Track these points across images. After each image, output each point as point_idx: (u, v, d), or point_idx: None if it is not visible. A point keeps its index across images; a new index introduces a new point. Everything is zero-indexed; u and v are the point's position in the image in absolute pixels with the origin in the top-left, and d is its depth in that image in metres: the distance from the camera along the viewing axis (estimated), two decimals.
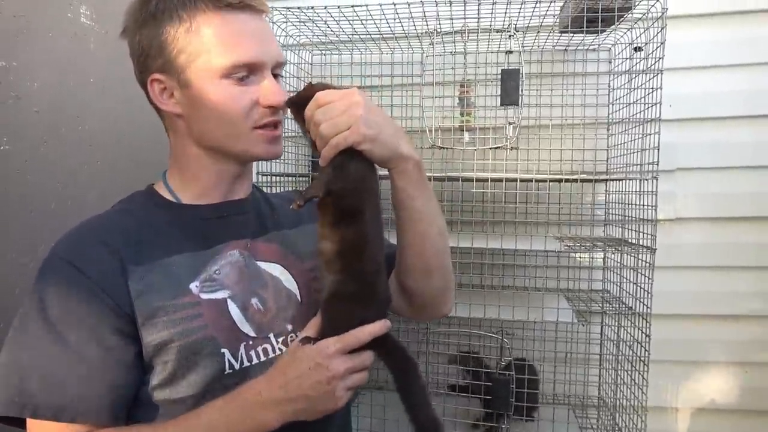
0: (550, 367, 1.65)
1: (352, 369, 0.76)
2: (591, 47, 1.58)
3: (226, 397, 0.76)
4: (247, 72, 0.81)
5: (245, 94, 0.81)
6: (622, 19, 1.36)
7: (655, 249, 1.32)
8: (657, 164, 1.31)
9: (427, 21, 1.43)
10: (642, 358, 1.36)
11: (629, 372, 1.43)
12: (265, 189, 1.13)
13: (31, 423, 0.73)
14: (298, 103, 0.80)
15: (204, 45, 0.79)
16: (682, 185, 1.62)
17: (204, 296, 0.80)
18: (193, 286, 0.80)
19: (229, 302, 0.82)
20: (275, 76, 0.86)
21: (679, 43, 1.51)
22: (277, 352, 0.84)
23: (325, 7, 1.40)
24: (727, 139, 1.60)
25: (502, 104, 1.34)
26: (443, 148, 1.44)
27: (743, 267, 1.62)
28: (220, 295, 0.81)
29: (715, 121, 1.60)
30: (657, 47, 1.30)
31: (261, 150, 0.85)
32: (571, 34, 1.47)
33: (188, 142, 0.86)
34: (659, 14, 1.29)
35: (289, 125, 1.55)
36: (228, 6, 0.80)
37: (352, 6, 1.39)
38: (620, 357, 1.51)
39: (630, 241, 1.45)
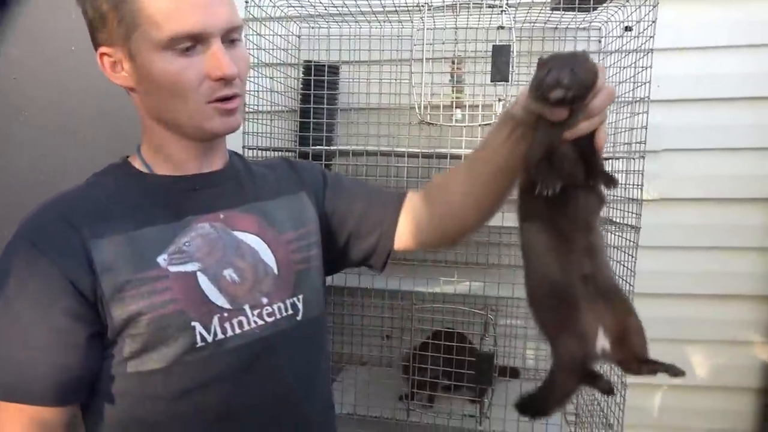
0: (533, 344, 1.67)
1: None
2: (582, 26, 1.58)
3: None
4: (191, 43, 0.76)
5: (190, 67, 0.76)
6: None
7: (640, 228, 1.34)
8: (644, 144, 1.32)
9: None
10: None
11: None
12: None
13: None
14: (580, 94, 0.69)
15: (141, 15, 0.75)
16: (668, 166, 1.63)
17: (173, 269, 0.79)
18: (161, 259, 0.79)
19: (200, 275, 0.80)
20: (233, 41, 0.81)
21: (669, 23, 1.51)
22: (252, 324, 0.83)
23: None
24: (714, 121, 1.61)
25: (492, 81, 1.33)
26: (432, 124, 1.43)
27: (728, 247, 1.65)
28: (189, 267, 0.80)
29: (703, 103, 1.61)
30: (648, 26, 1.30)
31: (216, 125, 0.81)
32: (563, 12, 1.46)
33: (146, 116, 0.84)
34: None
35: (271, 97, 1.54)
36: None
37: None
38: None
39: (615, 220, 1.46)
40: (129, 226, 0.79)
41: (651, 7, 1.28)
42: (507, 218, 1.43)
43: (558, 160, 0.73)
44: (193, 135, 0.83)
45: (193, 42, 0.76)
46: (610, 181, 0.72)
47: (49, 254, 0.74)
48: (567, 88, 0.66)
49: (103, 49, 0.80)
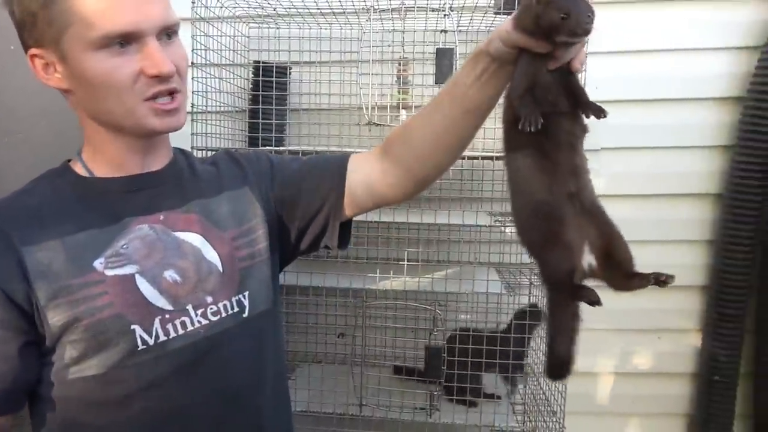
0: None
1: None
2: None
3: None
4: (124, 41, 0.75)
5: (125, 65, 0.76)
6: None
7: None
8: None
9: None
10: None
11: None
12: None
13: None
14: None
15: (73, 15, 0.74)
16: (607, 164, 1.70)
17: (109, 273, 0.78)
18: (98, 263, 0.78)
19: (138, 277, 0.80)
20: (169, 38, 0.80)
21: (607, 27, 1.58)
22: (196, 324, 0.83)
23: None
24: (649, 121, 1.69)
25: (436, 83, 1.37)
26: (379, 125, 1.46)
27: (662, 241, 1.73)
28: (127, 270, 0.80)
29: (637, 103, 1.69)
30: None
31: (155, 123, 0.81)
32: (505, 16, 1.51)
33: (84, 116, 0.83)
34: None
35: (223, 98, 1.54)
36: None
37: None
38: (543, 325, 1.60)
39: None
40: (64, 231, 0.78)
41: None
42: (453, 216, 1.48)
43: (540, 92, 0.76)
44: (132, 133, 0.83)
45: (127, 40, 0.76)
46: (599, 111, 0.75)
47: None
48: (584, 37, 0.70)
49: (33, 51, 0.78)
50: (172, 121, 0.82)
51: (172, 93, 0.81)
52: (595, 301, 0.76)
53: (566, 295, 0.79)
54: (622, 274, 0.79)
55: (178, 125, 0.84)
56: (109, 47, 0.75)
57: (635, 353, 1.78)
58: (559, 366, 0.85)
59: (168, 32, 0.80)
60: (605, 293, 1.75)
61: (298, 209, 0.99)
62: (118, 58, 0.76)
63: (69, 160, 0.88)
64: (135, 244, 0.82)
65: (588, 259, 0.78)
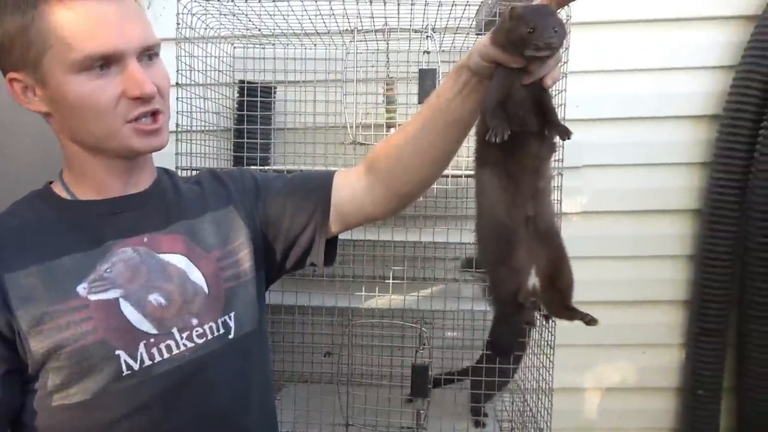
0: (468, 354, 1.73)
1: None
2: None
3: None
4: (105, 63, 0.75)
5: (107, 87, 0.76)
6: None
7: None
8: (562, 161, 1.40)
9: (348, 18, 1.45)
10: (549, 343, 1.46)
11: (537, 356, 1.53)
12: None
13: None
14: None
15: (51, 38, 0.73)
16: (588, 181, 1.73)
17: (93, 297, 0.77)
18: (81, 288, 0.77)
19: (122, 301, 0.79)
20: (150, 58, 0.80)
21: (587, 47, 1.62)
22: (182, 347, 0.82)
23: (246, 1, 1.40)
24: (629, 139, 1.73)
25: (419, 102, 1.39)
26: (364, 144, 1.47)
27: (643, 257, 1.76)
28: (111, 294, 0.79)
29: (618, 122, 1.73)
30: (562, 51, 1.38)
31: (139, 144, 0.81)
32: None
33: (65, 139, 0.83)
34: (564, 21, 1.37)
35: (205, 117, 1.54)
36: None
37: (274, 1, 1.39)
38: (530, 342, 1.61)
39: None
40: (46, 256, 0.77)
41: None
42: (438, 234, 1.49)
43: (512, 108, 0.77)
44: (114, 155, 0.82)
45: (108, 62, 0.75)
46: (564, 132, 0.76)
47: None
48: (554, 50, 0.72)
49: (12, 75, 0.78)
50: (154, 142, 0.82)
51: (154, 114, 0.80)
52: (529, 323, 0.83)
53: (508, 312, 0.83)
54: (558, 302, 0.82)
55: (160, 145, 0.84)
56: (90, 69, 0.75)
57: (620, 369, 1.79)
58: (499, 349, 0.92)
59: (149, 53, 0.80)
60: (589, 308, 1.76)
61: (283, 227, 0.99)
62: (99, 80, 0.75)
63: (50, 182, 0.88)
64: (118, 268, 0.81)
65: (533, 281, 0.81)
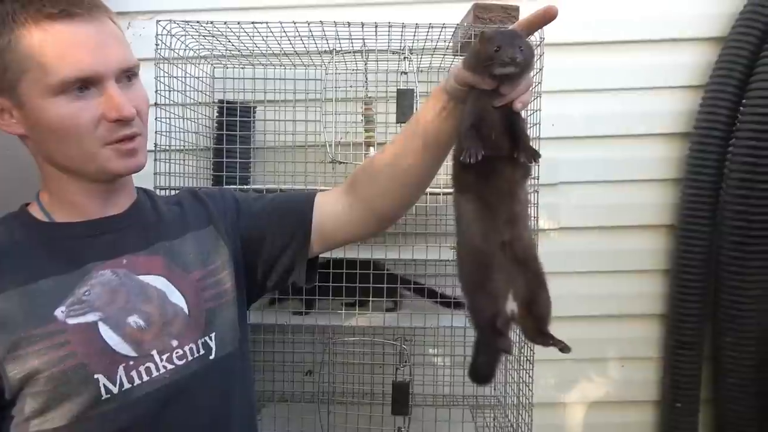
0: (448, 371, 1.73)
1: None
2: None
3: None
4: (83, 86, 0.75)
5: (85, 110, 0.76)
6: None
7: None
8: (537, 179, 1.43)
9: (327, 40, 1.47)
10: (528, 358, 1.47)
11: (517, 371, 1.54)
12: None
13: None
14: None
15: (28, 62, 0.74)
16: (565, 197, 1.76)
17: (71, 321, 0.76)
18: (59, 312, 0.76)
19: (101, 324, 0.78)
20: (129, 80, 0.80)
21: (563, 68, 1.66)
22: (162, 370, 0.81)
23: (225, 22, 1.41)
24: (604, 156, 1.76)
25: (397, 122, 1.41)
26: (343, 162, 1.49)
27: (619, 271, 1.78)
28: (89, 318, 0.78)
29: (593, 139, 1.76)
30: (536, 72, 1.42)
31: (117, 166, 0.81)
32: (462, 58, 1.57)
33: (43, 162, 0.83)
34: (538, 42, 1.41)
35: (185, 137, 1.55)
36: (48, 17, 0.73)
37: (253, 22, 1.40)
38: (511, 358, 1.62)
39: None
40: (23, 280, 0.76)
41: (538, 55, 1.41)
42: (417, 251, 1.51)
43: (486, 130, 0.79)
44: (94, 177, 0.82)
45: (86, 84, 0.75)
46: (532, 155, 0.78)
47: None
48: (517, 66, 0.74)
49: None
50: (131, 163, 0.82)
51: (132, 135, 0.81)
52: (505, 350, 0.81)
53: (487, 338, 0.84)
54: (534, 328, 0.82)
55: (138, 166, 0.84)
56: (68, 92, 0.75)
57: (599, 382, 1.81)
58: (480, 377, 0.91)
59: (128, 74, 0.80)
60: (568, 323, 1.78)
61: (265, 247, 0.99)
62: (78, 103, 0.75)
63: (27, 204, 0.87)
64: (97, 291, 0.80)
65: (511, 307, 0.81)
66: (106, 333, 0.79)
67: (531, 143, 0.80)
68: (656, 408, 1.83)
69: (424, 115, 0.89)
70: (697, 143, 1.66)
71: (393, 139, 0.96)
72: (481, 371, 0.90)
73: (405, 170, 0.92)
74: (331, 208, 0.99)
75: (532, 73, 0.83)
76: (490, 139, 0.79)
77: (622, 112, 1.75)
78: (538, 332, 0.82)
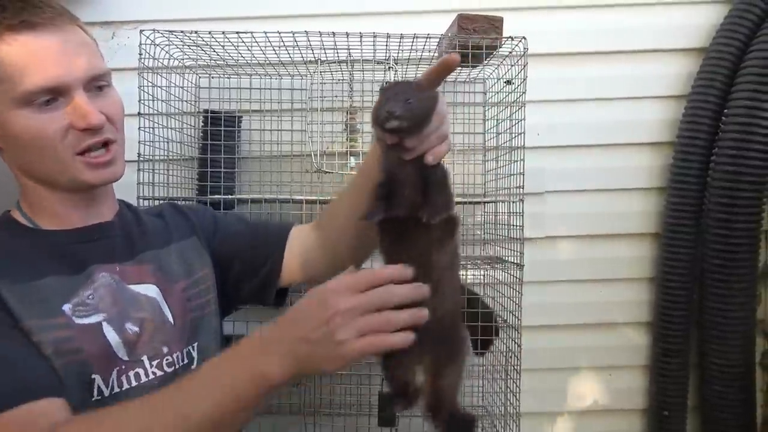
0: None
1: (362, 308, 0.62)
2: (467, 80, 1.71)
3: (225, 352, 0.68)
4: (50, 96, 0.75)
5: (53, 120, 0.75)
6: (491, 56, 1.48)
7: (523, 265, 1.44)
8: (522, 188, 1.43)
9: (312, 50, 1.47)
10: (515, 367, 1.47)
11: (504, 380, 1.53)
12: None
13: None
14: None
15: None
16: (551, 206, 1.77)
17: (77, 321, 0.77)
18: (67, 308, 0.76)
19: (105, 325, 0.79)
20: (100, 88, 0.80)
21: (547, 77, 1.67)
22: (151, 376, 0.82)
23: (210, 32, 1.41)
24: (589, 165, 1.77)
25: None
26: (328, 172, 1.48)
27: (605, 280, 1.79)
28: (93, 319, 0.78)
29: (578, 149, 1.77)
30: (521, 82, 1.43)
31: (90, 177, 0.80)
32: None
33: (18, 173, 0.82)
34: (522, 53, 1.42)
35: (169, 147, 1.53)
36: (10, 29, 0.73)
37: (237, 32, 1.40)
38: (498, 367, 1.61)
39: (503, 258, 1.56)
40: (27, 277, 0.76)
41: (522, 66, 1.42)
42: None
43: (398, 187, 0.74)
44: (69, 188, 0.81)
45: (53, 95, 0.75)
46: (431, 214, 0.71)
47: None
48: (399, 119, 0.69)
49: None
50: (106, 173, 0.81)
51: (106, 144, 0.80)
52: (387, 423, 0.78)
53: (393, 396, 0.79)
54: (433, 404, 0.77)
55: (114, 177, 0.83)
56: (34, 103, 0.74)
57: (586, 392, 1.81)
58: (387, 420, 0.85)
59: (99, 83, 0.80)
60: (553, 332, 1.77)
61: (235, 268, 1.00)
62: (45, 114, 0.75)
63: (8, 211, 0.86)
64: (100, 293, 0.80)
65: (420, 378, 0.77)
66: (109, 333, 0.79)
67: (446, 200, 0.75)
68: (644, 416, 1.83)
69: (367, 163, 0.90)
70: (680, 152, 1.67)
71: (351, 181, 0.96)
72: (385, 416, 0.86)
73: (356, 211, 0.92)
74: (301, 243, 1.01)
75: (446, 126, 0.75)
76: (402, 197, 0.74)
77: (607, 122, 1.76)
78: (436, 410, 0.76)
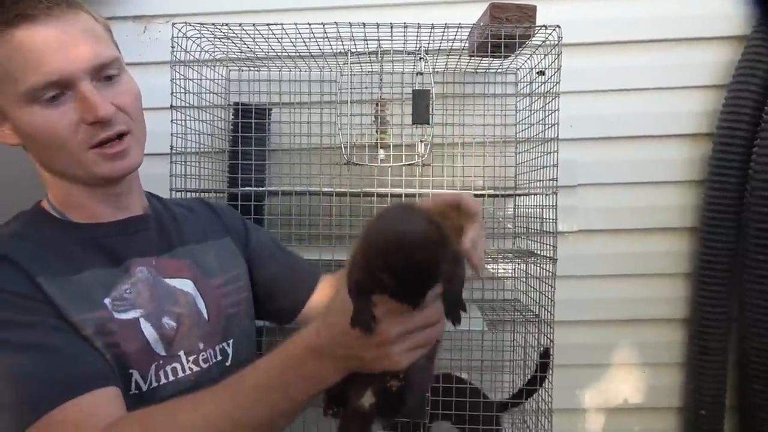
0: (465, 375, 1.70)
1: (408, 331, 0.63)
2: (498, 70, 1.68)
3: (272, 353, 0.67)
4: (55, 90, 0.72)
5: (62, 115, 0.73)
6: (524, 45, 1.45)
7: (556, 259, 1.41)
8: (556, 181, 1.40)
9: (342, 41, 1.47)
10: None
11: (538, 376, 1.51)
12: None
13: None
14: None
15: None
16: (583, 199, 1.73)
17: (117, 315, 0.76)
18: (107, 302, 0.76)
19: (142, 321, 0.78)
20: (110, 77, 0.77)
21: (581, 68, 1.63)
22: (187, 371, 0.81)
23: (240, 24, 1.41)
24: (623, 158, 1.73)
25: (413, 123, 1.39)
26: (358, 164, 1.48)
27: (640, 275, 1.74)
28: (131, 314, 0.78)
29: (612, 141, 1.73)
30: (554, 72, 1.40)
31: (105, 170, 0.77)
32: (480, 58, 1.56)
33: (41, 169, 0.81)
34: (556, 42, 1.39)
35: (200, 139, 1.55)
36: (7, 24, 0.71)
37: (268, 24, 1.40)
38: (530, 362, 1.59)
39: (535, 252, 1.54)
40: (66, 270, 0.75)
41: (556, 56, 1.39)
42: None
43: None
44: (88, 182, 0.80)
45: (59, 89, 0.72)
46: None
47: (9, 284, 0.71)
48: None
49: None
50: (122, 165, 0.79)
51: (120, 135, 0.77)
52: None
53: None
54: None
55: (129, 167, 0.80)
56: (41, 99, 0.72)
57: (620, 389, 1.77)
58: None
59: (107, 72, 0.76)
60: (586, 328, 1.74)
61: (261, 286, 1.02)
62: (53, 110, 0.73)
63: (39, 202, 0.86)
64: (137, 288, 0.80)
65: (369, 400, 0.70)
66: (147, 329, 0.79)
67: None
68: (679, 415, 1.78)
69: None
70: (719, 144, 1.62)
71: None
72: None
73: None
74: (327, 294, 1.02)
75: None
76: None
77: (643, 113, 1.71)
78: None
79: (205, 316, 0.87)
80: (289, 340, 0.67)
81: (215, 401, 0.66)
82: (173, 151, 1.44)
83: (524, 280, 1.63)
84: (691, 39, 1.69)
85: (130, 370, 0.76)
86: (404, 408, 0.69)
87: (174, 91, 1.44)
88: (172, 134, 1.43)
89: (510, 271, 1.72)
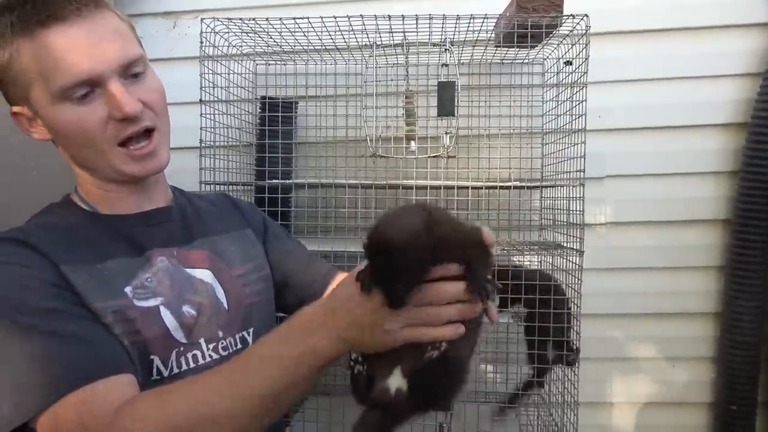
0: (490, 367, 1.71)
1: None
2: (525, 61, 1.66)
3: (278, 327, 0.71)
4: (86, 89, 0.75)
5: (91, 113, 0.76)
6: (551, 35, 1.44)
7: (583, 251, 1.39)
8: (583, 172, 1.39)
9: (367, 34, 1.47)
10: None
11: (563, 369, 1.50)
12: None
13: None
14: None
15: (30, 72, 0.75)
16: (611, 191, 1.70)
17: (138, 303, 0.79)
18: (128, 290, 0.79)
19: (162, 309, 0.81)
20: (136, 75, 0.79)
21: (610, 57, 1.61)
22: (207, 358, 0.84)
23: (267, 19, 1.43)
24: (653, 148, 1.70)
25: (438, 115, 1.39)
26: (384, 156, 1.48)
27: (669, 268, 1.72)
28: (152, 302, 0.80)
29: (641, 131, 1.70)
30: (582, 62, 1.38)
31: (134, 169, 0.81)
32: (506, 49, 1.54)
33: (72, 163, 0.85)
34: (583, 31, 1.37)
35: (228, 133, 1.57)
36: (39, 24, 0.73)
37: (294, 18, 1.41)
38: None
39: (562, 244, 1.52)
40: (91, 258, 0.78)
41: (584, 45, 1.37)
42: None
43: None
44: (114, 178, 0.83)
45: (89, 87, 0.75)
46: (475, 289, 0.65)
47: (36, 269, 0.73)
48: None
49: (14, 108, 0.80)
50: (151, 164, 0.82)
51: (148, 132, 0.80)
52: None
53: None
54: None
55: (159, 167, 0.84)
56: (71, 97, 0.75)
57: (648, 382, 1.75)
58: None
59: (134, 70, 0.79)
60: (614, 321, 1.72)
61: (278, 279, 1.03)
62: (83, 107, 0.76)
63: (68, 195, 0.89)
64: (158, 277, 0.83)
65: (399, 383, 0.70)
66: (167, 317, 0.81)
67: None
68: (709, 410, 1.76)
69: None
70: (755, 134, 1.57)
71: None
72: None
73: None
74: None
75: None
76: None
77: (672, 103, 1.68)
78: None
79: (225, 305, 0.89)
80: (294, 314, 0.70)
81: (224, 375, 0.68)
82: (202, 145, 1.47)
83: (551, 272, 1.62)
84: (722, 26, 1.65)
85: (151, 356, 0.78)
86: (437, 395, 0.70)
87: (203, 85, 1.46)
88: (201, 128, 1.46)
89: (536, 263, 1.71)
